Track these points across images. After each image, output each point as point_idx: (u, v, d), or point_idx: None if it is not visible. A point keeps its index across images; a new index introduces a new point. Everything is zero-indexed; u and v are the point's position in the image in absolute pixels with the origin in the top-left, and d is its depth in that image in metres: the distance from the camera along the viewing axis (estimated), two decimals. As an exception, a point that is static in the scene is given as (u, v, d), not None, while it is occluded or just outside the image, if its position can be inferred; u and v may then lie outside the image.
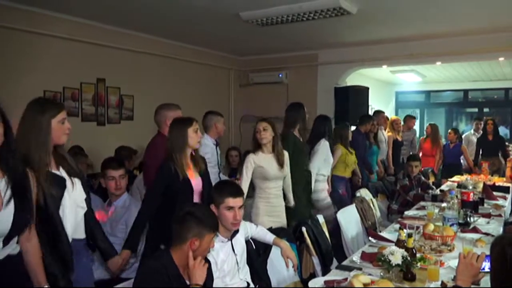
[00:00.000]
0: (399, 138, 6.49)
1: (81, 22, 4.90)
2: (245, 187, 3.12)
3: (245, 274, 2.37)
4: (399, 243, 2.39)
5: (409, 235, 2.34)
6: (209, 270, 1.96)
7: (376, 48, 6.23)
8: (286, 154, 3.35)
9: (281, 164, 3.21)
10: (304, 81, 6.93)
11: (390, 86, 10.59)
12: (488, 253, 1.73)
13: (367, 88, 6.96)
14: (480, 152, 6.92)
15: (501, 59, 6.06)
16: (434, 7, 4.40)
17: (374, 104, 8.10)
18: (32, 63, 4.55)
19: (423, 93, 10.84)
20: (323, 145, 4.20)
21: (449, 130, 7.19)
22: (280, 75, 7.15)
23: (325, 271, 2.75)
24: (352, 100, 6.43)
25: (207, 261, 1.98)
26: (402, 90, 10.88)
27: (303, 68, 7.00)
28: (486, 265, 1.70)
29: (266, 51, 6.98)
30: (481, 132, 7.17)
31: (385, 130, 6.36)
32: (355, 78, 7.19)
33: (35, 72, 4.58)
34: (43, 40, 4.63)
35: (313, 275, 2.83)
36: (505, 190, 4.88)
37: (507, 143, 7.19)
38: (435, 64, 6.79)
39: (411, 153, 6.44)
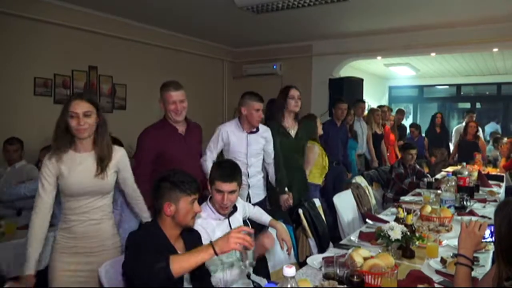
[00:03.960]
0: (378, 131, 5.91)
1: (74, 8, 4.81)
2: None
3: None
4: (398, 221, 2.36)
5: (408, 212, 2.32)
6: (200, 242, 1.92)
7: (371, 39, 6.21)
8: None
9: None
10: (298, 72, 6.89)
11: (384, 81, 10.60)
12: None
13: (362, 80, 6.94)
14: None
15: (495, 49, 6.07)
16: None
17: (368, 98, 8.07)
18: (23, 49, 4.45)
19: (416, 87, 10.87)
20: None
21: (411, 128, 7.38)
22: (274, 67, 7.11)
23: (322, 253, 2.70)
24: (347, 92, 6.39)
25: (196, 232, 1.94)
26: (395, 85, 10.89)
27: (297, 59, 6.96)
28: (487, 234, 1.68)
29: (260, 42, 6.93)
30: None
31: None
32: (349, 72, 7.15)
33: (26, 58, 4.49)
34: (34, 26, 4.53)
35: (309, 258, 2.79)
36: (499, 179, 4.92)
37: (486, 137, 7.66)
38: (429, 55, 6.78)
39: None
